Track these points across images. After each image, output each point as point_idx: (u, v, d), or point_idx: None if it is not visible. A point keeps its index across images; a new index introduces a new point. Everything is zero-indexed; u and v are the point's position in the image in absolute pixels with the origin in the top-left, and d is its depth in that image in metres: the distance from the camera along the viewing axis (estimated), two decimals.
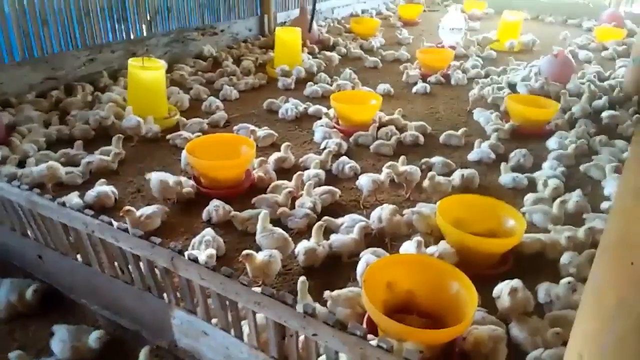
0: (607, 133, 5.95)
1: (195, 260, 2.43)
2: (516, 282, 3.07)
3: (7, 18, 5.99)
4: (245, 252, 3.16)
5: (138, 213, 3.79)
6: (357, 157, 5.20)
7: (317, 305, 2.84)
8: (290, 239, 3.62)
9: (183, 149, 4.72)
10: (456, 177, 4.68)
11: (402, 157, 4.86)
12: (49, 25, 6.48)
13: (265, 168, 4.69)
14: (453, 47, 9.60)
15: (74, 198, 3.99)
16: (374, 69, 8.74)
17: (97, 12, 7.10)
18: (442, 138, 5.77)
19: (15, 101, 5.91)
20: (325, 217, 3.89)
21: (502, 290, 3.08)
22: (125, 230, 2.61)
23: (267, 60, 8.53)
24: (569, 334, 1.55)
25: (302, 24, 9.28)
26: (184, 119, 5.82)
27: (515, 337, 2.91)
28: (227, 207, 4.08)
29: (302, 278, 2.91)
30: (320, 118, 6.14)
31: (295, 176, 4.46)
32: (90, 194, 4.12)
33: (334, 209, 4.28)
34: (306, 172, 4.63)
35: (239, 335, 2.47)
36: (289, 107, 6.32)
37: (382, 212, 3.86)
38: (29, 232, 3.17)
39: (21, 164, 4.59)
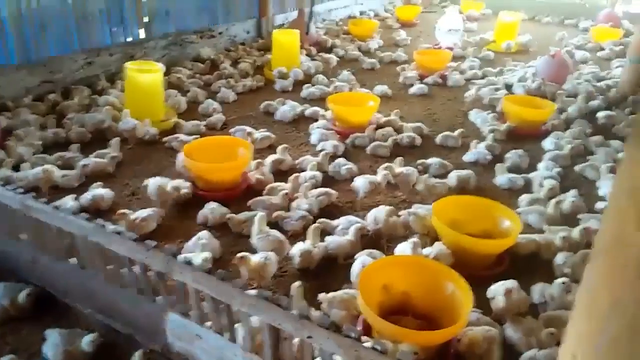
0: (603, 133, 5.95)
1: (189, 263, 2.44)
2: (511, 283, 3.08)
3: (4, 21, 5.99)
4: (240, 254, 3.17)
5: (133, 216, 3.79)
6: (354, 159, 5.20)
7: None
8: (286, 241, 3.62)
9: (180, 151, 4.72)
10: (452, 178, 4.69)
11: (398, 159, 4.86)
12: (46, 28, 6.49)
13: (262, 170, 4.69)
14: (450, 48, 9.61)
15: (69, 201, 3.99)
16: (371, 71, 8.74)
17: (94, 16, 7.11)
18: (438, 139, 5.77)
19: (11, 105, 5.90)
20: (321, 219, 3.89)
21: (497, 291, 3.08)
22: (120, 233, 2.61)
23: (265, 63, 8.54)
24: (563, 334, 1.55)
25: (300, 26, 9.29)
26: (182, 121, 5.82)
27: (509, 338, 2.91)
28: (224, 209, 4.08)
29: (297, 283, 2.91)
30: (317, 120, 6.14)
31: (291, 178, 4.47)
32: (86, 197, 4.12)
33: (330, 210, 4.28)
34: (303, 174, 4.63)
35: (233, 339, 2.47)
36: (286, 109, 6.32)
37: (379, 214, 3.87)
38: (23, 236, 3.17)
39: (17, 167, 4.59)
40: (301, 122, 6.27)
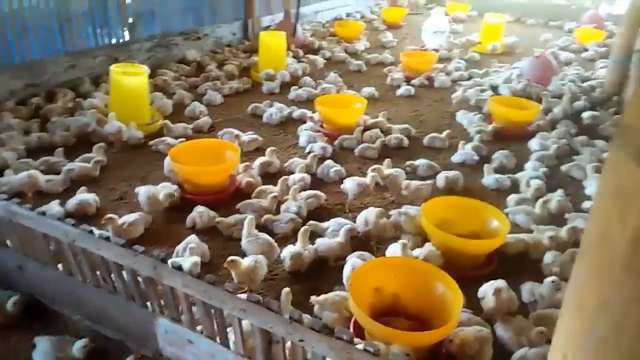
0: (588, 133, 6.03)
1: (179, 268, 2.41)
2: (500, 283, 3.10)
3: None
4: (230, 258, 3.14)
5: (120, 221, 3.74)
6: (342, 161, 5.20)
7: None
8: (275, 244, 3.60)
9: (166, 154, 4.68)
10: (441, 179, 4.72)
11: (386, 160, 4.88)
12: (29, 31, 6.40)
13: (250, 173, 4.66)
14: (436, 50, 9.68)
15: (54, 206, 3.92)
16: (358, 72, 8.76)
17: (78, 18, 7.03)
18: (426, 140, 5.80)
19: None
20: (311, 222, 3.88)
21: (487, 291, 3.10)
22: (107, 238, 2.58)
23: (251, 65, 8.51)
24: (553, 333, 1.57)
25: (287, 28, 9.28)
26: (170, 123, 5.77)
27: (500, 337, 2.93)
28: (212, 213, 4.05)
29: (286, 290, 2.90)
30: (305, 122, 6.13)
31: (280, 180, 4.45)
32: (72, 202, 4.06)
33: (319, 213, 4.27)
34: (291, 177, 4.62)
35: (225, 343, 2.45)
36: (274, 111, 6.30)
37: (369, 215, 3.87)
38: (8, 243, 3.12)
39: (1, 172, 4.50)
40: (289, 124, 6.26)
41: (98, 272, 2.75)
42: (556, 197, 4.45)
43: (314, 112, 6.24)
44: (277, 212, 4.13)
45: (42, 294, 3.15)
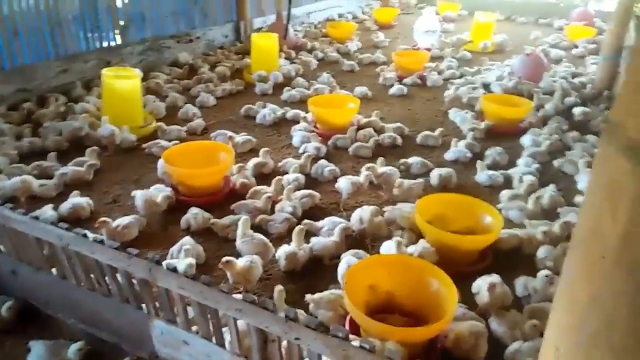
0: (580, 129, 6.08)
1: (174, 270, 2.41)
2: (494, 278, 3.12)
3: None
4: (225, 259, 3.14)
5: (114, 224, 3.73)
6: (336, 160, 5.22)
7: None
8: (270, 244, 3.61)
9: (160, 157, 4.67)
10: (434, 176, 4.74)
11: (380, 159, 4.89)
12: (19, 36, 6.37)
13: (244, 174, 4.67)
14: (428, 49, 9.71)
15: (48, 211, 3.91)
16: (351, 72, 8.77)
17: (69, 22, 7.00)
18: (419, 139, 5.83)
19: None
20: (306, 221, 3.89)
21: (481, 286, 3.12)
22: (101, 242, 2.58)
23: (244, 66, 8.51)
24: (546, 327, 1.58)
25: (279, 29, 9.29)
26: (164, 126, 5.76)
27: (494, 331, 2.95)
28: (206, 214, 4.05)
29: (279, 287, 2.90)
30: (298, 122, 6.14)
31: (274, 181, 4.46)
32: (65, 205, 4.05)
33: (314, 212, 4.28)
34: (285, 177, 4.63)
35: (221, 343, 2.45)
36: (267, 112, 6.30)
37: (363, 214, 3.88)
38: (2, 248, 3.10)
39: None
40: (282, 125, 6.26)
41: (92, 275, 2.74)
42: (549, 193, 4.48)
43: (307, 112, 6.25)
44: (272, 212, 4.13)
45: (36, 299, 3.14)
